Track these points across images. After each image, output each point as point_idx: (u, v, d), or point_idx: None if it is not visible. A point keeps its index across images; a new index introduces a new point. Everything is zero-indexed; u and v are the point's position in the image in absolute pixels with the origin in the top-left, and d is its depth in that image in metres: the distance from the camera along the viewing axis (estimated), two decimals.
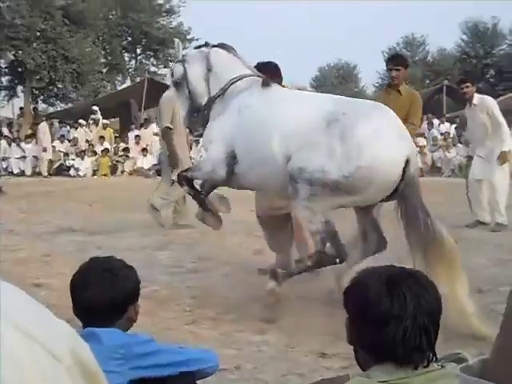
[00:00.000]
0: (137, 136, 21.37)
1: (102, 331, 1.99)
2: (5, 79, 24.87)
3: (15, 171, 20.30)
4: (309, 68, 78.54)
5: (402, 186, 4.09)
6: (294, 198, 4.25)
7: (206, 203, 4.89)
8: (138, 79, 35.64)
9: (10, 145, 20.65)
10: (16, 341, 0.48)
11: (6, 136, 21.37)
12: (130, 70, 38.07)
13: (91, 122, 22.64)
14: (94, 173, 20.39)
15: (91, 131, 22.48)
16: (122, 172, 20.32)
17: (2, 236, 7.93)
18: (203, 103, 4.97)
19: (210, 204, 4.90)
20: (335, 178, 4.04)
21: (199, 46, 5.24)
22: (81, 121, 22.74)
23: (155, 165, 19.78)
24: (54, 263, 6.40)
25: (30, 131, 22.90)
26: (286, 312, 4.37)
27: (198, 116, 5.06)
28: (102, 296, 2.02)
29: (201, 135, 5.36)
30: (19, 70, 23.97)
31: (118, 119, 26.51)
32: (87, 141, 21.99)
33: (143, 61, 38.45)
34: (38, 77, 23.72)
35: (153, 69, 37.83)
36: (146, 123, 22.14)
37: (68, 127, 23.54)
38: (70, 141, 21.85)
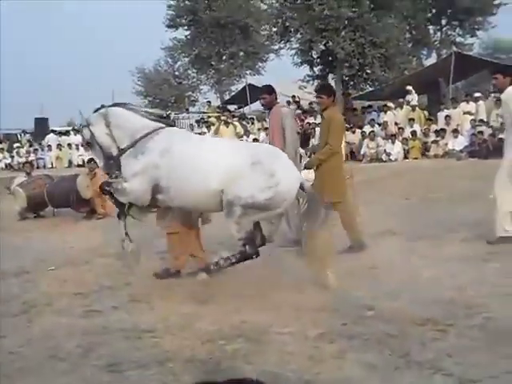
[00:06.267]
0: (447, 116, 20.94)
1: None
2: (317, 69, 26.08)
3: None
4: None
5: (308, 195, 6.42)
6: (228, 217, 6.05)
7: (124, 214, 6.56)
8: (443, 51, 34.82)
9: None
10: None
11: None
12: (436, 43, 37.25)
13: (405, 103, 22.67)
14: (405, 156, 20.52)
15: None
16: (435, 155, 20.09)
17: None
18: (113, 152, 6.54)
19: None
20: (261, 201, 5.95)
21: (97, 110, 6.72)
22: (389, 104, 22.98)
23: (466, 146, 19.30)
24: (383, 277, 6.38)
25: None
26: None
27: (113, 162, 6.53)
28: None
29: None
30: (330, 59, 24.99)
31: (425, 95, 26.24)
32: (396, 123, 22.15)
33: (448, 32, 37.32)
34: (347, 64, 24.48)
35: (458, 39, 36.58)
36: (453, 102, 21.60)
37: (377, 111, 23.94)
38: (379, 124, 22.21)
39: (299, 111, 22.46)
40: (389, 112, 22.57)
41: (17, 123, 42.45)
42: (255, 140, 21.99)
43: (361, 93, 27.94)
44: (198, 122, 27.90)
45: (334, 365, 4.26)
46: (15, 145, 31.31)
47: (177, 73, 41.20)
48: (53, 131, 30.18)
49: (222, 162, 6.07)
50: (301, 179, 6.30)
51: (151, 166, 6.21)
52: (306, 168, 7.93)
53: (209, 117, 28.08)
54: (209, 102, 34.67)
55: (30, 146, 30.15)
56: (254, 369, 4.23)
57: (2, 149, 31.08)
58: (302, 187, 6.24)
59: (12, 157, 29.73)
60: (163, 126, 6.58)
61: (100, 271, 7.24)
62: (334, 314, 5.30)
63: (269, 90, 8.61)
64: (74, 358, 4.65)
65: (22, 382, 4.32)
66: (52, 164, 27.75)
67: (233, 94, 36.80)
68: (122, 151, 6.46)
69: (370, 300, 5.57)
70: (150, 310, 5.75)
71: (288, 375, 4.11)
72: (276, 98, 8.62)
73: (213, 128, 24.30)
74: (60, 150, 27.78)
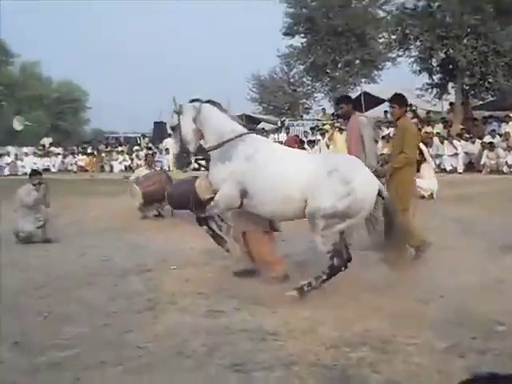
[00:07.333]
0: None
1: None
2: (436, 77, 25.37)
3: (448, 168, 20.73)
4: None
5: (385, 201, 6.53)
6: (312, 230, 6.06)
7: (221, 240, 6.85)
8: None
9: (442, 142, 21.11)
10: None
11: (438, 133, 21.91)
12: None
13: None
14: None
15: None
16: None
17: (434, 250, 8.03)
18: (190, 148, 6.69)
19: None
20: (341, 210, 5.94)
21: (193, 101, 6.72)
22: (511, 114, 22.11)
23: None
24: (510, 292, 6.14)
25: (461, 127, 23.10)
26: None
27: (186, 157, 6.79)
28: None
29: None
30: (450, 67, 24.26)
31: None
32: None
33: None
34: (468, 73, 23.68)
35: None
36: None
37: (498, 121, 23.06)
38: (500, 135, 21.39)
39: (416, 120, 21.95)
40: (511, 122, 21.69)
41: (136, 127, 43.99)
42: None
43: (481, 102, 26.99)
44: (312, 129, 27.94)
45: None
46: (135, 148, 32.54)
47: (292, 80, 41.37)
48: (170, 135, 30.98)
49: (301, 171, 6.14)
50: (379, 186, 6.31)
51: (238, 172, 6.35)
52: (377, 176, 7.77)
53: (323, 124, 28.03)
54: (323, 109, 34.62)
55: (149, 149, 31.22)
56: (381, 378, 4.16)
57: (123, 151, 32.36)
58: (380, 194, 6.31)
59: (131, 159, 30.91)
60: (249, 132, 6.74)
61: (220, 273, 7.36)
62: (461, 327, 5.14)
63: (346, 100, 8.82)
64: (200, 357, 4.73)
65: (149, 376, 4.42)
66: (169, 167, 28.57)
67: None
68: (206, 150, 6.65)
69: (500, 315, 5.36)
70: (272, 313, 5.77)
71: None
72: (353, 108, 8.73)
73: (327, 135, 24.24)
74: None
